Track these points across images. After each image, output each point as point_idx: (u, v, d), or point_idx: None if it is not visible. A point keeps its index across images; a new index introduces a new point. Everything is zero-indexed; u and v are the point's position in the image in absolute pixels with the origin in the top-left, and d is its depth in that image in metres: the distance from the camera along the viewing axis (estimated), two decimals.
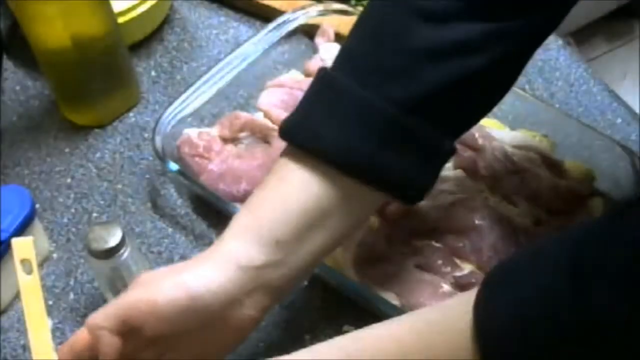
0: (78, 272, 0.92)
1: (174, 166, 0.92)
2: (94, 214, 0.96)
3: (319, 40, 1.05)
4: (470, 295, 0.63)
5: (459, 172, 0.90)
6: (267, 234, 0.70)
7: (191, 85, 0.98)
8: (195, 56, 1.10)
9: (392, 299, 0.83)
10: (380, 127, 0.70)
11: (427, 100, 0.69)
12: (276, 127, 0.96)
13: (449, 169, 0.90)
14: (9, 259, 0.87)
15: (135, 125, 1.04)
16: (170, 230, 0.94)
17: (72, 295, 0.90)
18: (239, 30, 1.13)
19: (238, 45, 1.02)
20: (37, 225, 0.90)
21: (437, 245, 0.86)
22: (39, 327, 0.73)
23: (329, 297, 0.88)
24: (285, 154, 0.74)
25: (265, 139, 0.96)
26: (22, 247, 0.75)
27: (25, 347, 0.87)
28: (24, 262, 0.74)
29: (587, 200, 0.89)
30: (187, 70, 1.09)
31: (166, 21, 1.13)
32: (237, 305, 0.70)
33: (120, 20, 1.03)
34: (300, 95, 0.98)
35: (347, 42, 0.74)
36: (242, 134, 0.97)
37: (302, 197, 0.71)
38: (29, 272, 0.74)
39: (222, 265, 0.69)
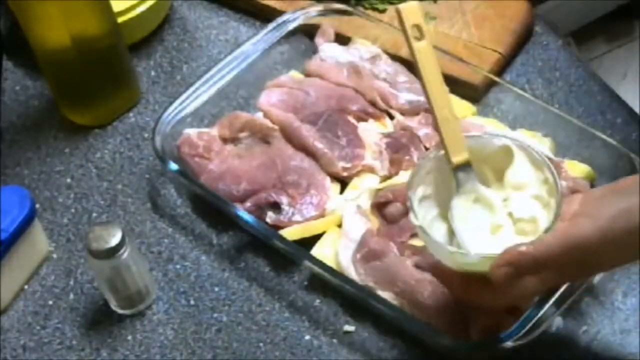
0: (78, 272, 0.92)
1: (174, 166, 0.92)
2: (94, 214, 0.96)
3: (319, 40, 1.04)
4: None
5: None
6: None
7: (191, 85, 0.98)
8: (195, 56, 1.10)
9: (392, 299, 0.83)
10: None
11: None
12: (276, 127, 0.96)
13: None
14: (9, 259, 0.87)
15: (135, 125, 1.04)
16: (170, 230, 0.94)
17: (72, 295, 0.90)
18: (239, 30, 1.12)
19: (238, 45, 1.02)
20: (37, 225, 0.90)
21: None
22: (438, 86, 0.75)
23: (329, 297, 0.88)
24: None
25: (265, 139, 0.97)
26: (411, 12, 0.75)
27: (26, 347, 0.87)
28: (414, 27, 0.74)
29: None
30: (187, 70, 1.09)
31: (166, 21, 1.13)
32: None
33: (120, 20, 1.03)
34: (300, 95, 0.99)
35: None
36: (242, 134, 0.97)
37: None
38: (421, 37, 0.75)
39: None
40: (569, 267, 0.72)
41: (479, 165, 0.79)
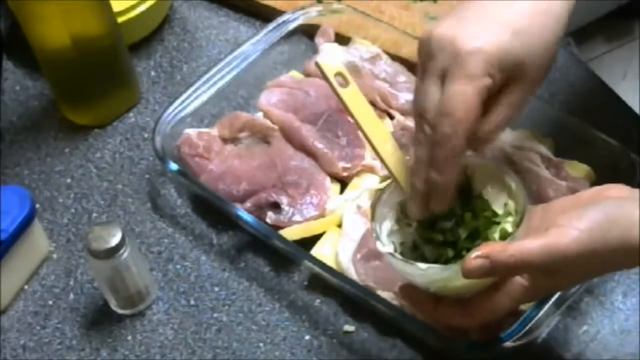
0: (78, 272, 0.92)
1: (174, 166, 0.92)
2: (94, 214, 0.96)
3: (319, 40, 1.04)
4: None
5: None
6: None
7: (191, 85, 0.98)
8: (195, 56, 1.10)
9: (392, 299, 0.83)
10: None
11: None
12: (276, 127, 0.96)
13: None
14: (9, 259, 0.87)
15: (135, 125, 1.04)
16: (170, 230, 0.94)
17: (72, 295, 0.90)
18: (239, 30, 1.12)
19: (238, 45, 1.02)
20: (37, 225, 0.90)
21: None
22: (373, 124, 0.75)
23: (329, 297, 0.88)
24: None
25: (265, 139, 0.97)
26: (329, 64, 0.76)
27: (26, 347, 0.87)
28: (337, 76, 0.75)
29: None
30: (187, 70, 1.09)
31: (166, 21, 1.13)
32: None
33: (120, 20, 1.03)
34: (300, 95, 0.99)
35: None
36: (242, 134, 0.97)
37: None
38: (346, 84, 0.76)
39: None
40: (542, 280, 0.71)
41: None
